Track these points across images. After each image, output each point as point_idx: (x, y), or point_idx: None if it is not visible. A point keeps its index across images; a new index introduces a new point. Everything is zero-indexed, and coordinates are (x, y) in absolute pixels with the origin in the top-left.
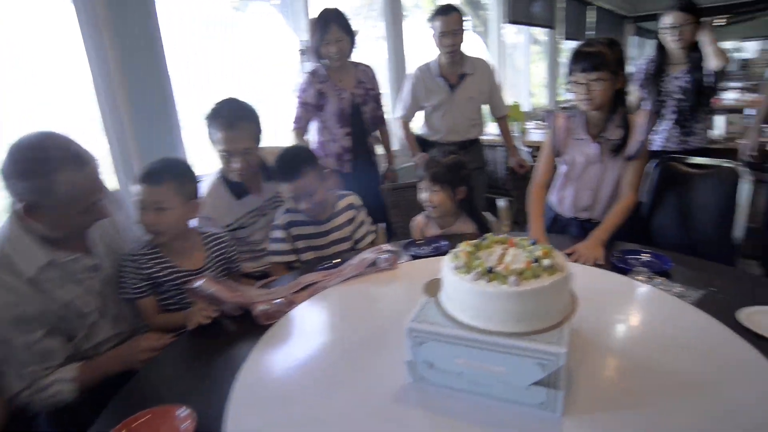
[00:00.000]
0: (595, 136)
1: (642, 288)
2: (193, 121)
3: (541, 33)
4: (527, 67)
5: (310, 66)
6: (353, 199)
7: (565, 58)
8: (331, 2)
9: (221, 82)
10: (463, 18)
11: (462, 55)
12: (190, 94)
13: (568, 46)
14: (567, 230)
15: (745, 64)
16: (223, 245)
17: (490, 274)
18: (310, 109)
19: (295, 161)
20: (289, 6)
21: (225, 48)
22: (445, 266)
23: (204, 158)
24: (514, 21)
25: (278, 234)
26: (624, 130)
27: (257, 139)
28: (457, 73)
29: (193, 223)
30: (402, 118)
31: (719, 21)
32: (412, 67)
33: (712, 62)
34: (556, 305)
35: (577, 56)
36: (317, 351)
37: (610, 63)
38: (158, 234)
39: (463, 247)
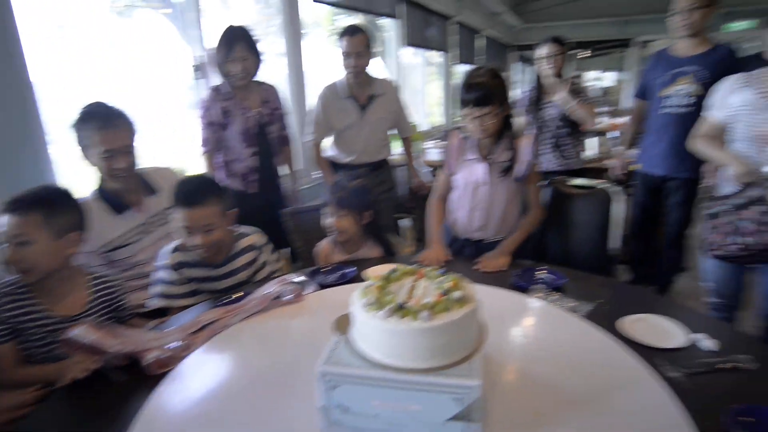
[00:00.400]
0: (485, 157)
1: (539, 305)
2: (64, 137)
3: (436, 55)
4: (423, 88)
5: (205, 83)
6: (255, 238)
7: (458, 79)
8: (228, 16)
9: (100, 94)
10: (369, 40)
11: (368, 76)
12: (61, 107)
13: (461, 69)
14: (462, 252)
15: (606, 91)
16: (111, 288)
17: (401, 310)
18: (216, 128)
19: (199, 187)
20: (180, 16)
21: (105, 57)
22: (355, 303)
23: (78, 177)
24: (411, 44)
25: (166, 275)
26: (511, 153)
27: (134, 141)
28: (366, 94)
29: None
30: (313, 141)
31: (585, 54)
32: (312, 85)
33: (586, 124)
34: (468, 336)
35: (468, 89)
36: (219, 400)
37: (496, 95)
38: (24, 272)
39: (373, 281)
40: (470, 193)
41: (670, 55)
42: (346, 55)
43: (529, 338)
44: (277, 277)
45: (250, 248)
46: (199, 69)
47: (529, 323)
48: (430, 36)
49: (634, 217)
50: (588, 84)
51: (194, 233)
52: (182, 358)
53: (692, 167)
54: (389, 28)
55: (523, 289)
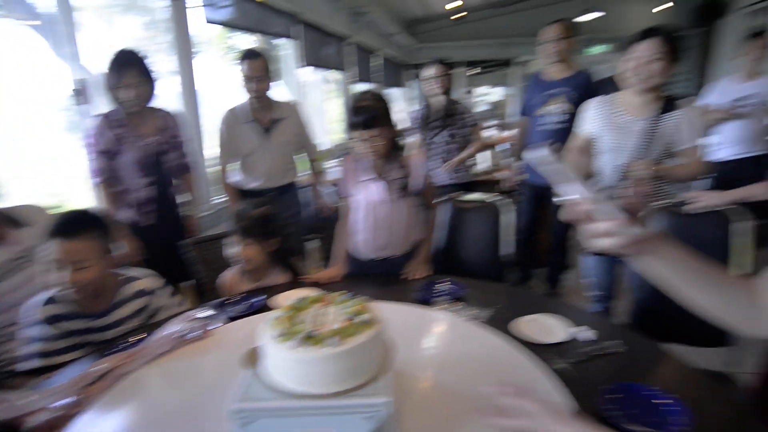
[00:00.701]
0: (380, 176)
1: (443, 316)
2: None
3: (334, 72)
4: (323, 105)
5: (88, 108)
6: (146, 282)
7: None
8: (107, 31)
9: None
10: (269, 64)
11: (270, 99)
12: None
13: (359, 87)
14: (370, 272)
15: (495, 105)
16: None
17: (311, 338)
18: (110, 156)
19: (76, 218)
20: (49, 29)
21: None
22: (265, 335)
23: None
24: (309, 64)
25: (39, 332)
26: (404, 170)
27: None
28: (268, 117)
29: None
30: (220, 166)
31: (475, 71)
32: (208, 105)
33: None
34: (377, 356)
35: (355, 112)
36: None
37: (383, 117)
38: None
39: (282, 312)
40: (371, 213)
41: (543, 78)
42: (247, 79)
43: (435, 349)
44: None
45: (140, 294)
46: (81, 93)
47: (434, 334)
48: (328, 56)
49: (521, 224)
50: (478, 99)
51: (64, 268)
52: (75, 415)
53: None
54: (287, 47)
55: (426, 302)
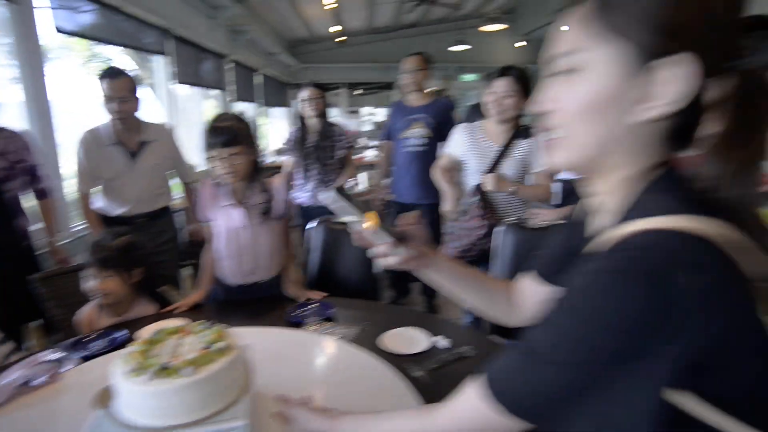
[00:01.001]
0: (240, 202)
1: (312, 337)
2: None
3: (213, 90)
4: (201, 123)
5: None
6: None
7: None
8: None
9: None
10: (135, 83)
11: (137, 120)
12: None
13: (240, 106)
14: (240, 298)
15: (378, 125)
16: None
17: (165, 370)
18: None
19: None
20: None
21: None
22: (116, 372)
23: None
24: (183, 82)
25: None
26: (266, 195)
27: None
28: (135, 140)
29: None
30: (79, 191)
31: (359, 91)
32: (63, 118)
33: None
34: (235, 381)
35: (213, 132)
36: None
37: (243, 137)
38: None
39: (135, 347)
40: (233, 239)
41: (405, 105)
42: (108, 99)
43: (303, 369)
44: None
45: None
46: None
47: (302, 355)
48: (205, 73)
49: None
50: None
51: None
52: None
53: (434, 194)
54: (157, 65)
55: (297, 324)
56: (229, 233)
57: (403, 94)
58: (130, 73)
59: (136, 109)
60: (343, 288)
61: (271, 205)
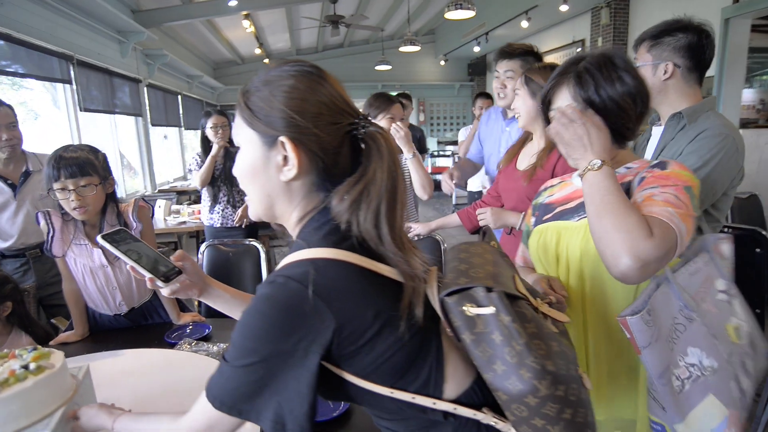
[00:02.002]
0: (93, 240)
1: (185, 356)
2: None
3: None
4: (116, 150)
5: None
6: None
7: (154, 140)
8: None
9: None
10: (13, 111)
11: (20, 151)
12: None
13: (162, 130)
14: (119, 326)
15: None
16: None
17: None
18: None
19: None
20: None
21: None
22: None
23: None
24: (87, 109)
25: None
26: (121, 225)
27: None
28: (18, 171)
29: None
30: None
31: None
32: None
33: None
34: (49, 398)
35: (60, 161)
36: None
37: (98, 168)
38: None
39: None
40: (94, 277)
41: None
42: None
43: (156, 384)
44: None
45: None
46: None
47: (174, 373)
48: (118, 100)
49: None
50: None
51: None
52: None
53: None
54: (61, 92)
55: (172, 345)
56: (89, 271)
57: None
58: (9, 106)
59: (21, 139)
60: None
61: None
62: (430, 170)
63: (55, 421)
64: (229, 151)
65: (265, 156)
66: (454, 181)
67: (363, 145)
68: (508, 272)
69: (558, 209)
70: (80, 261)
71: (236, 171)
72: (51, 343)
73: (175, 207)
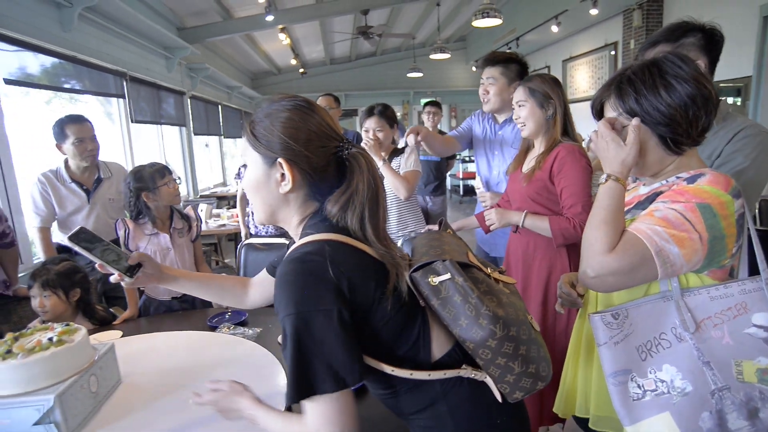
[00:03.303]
0: (162, 227)
1: (225, 337)
2: None
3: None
4: (162, 158)
5: None
6: None
7: (197, 148)
8: None
9: None
10: (92, 126)
11: (95, 160)
12: None
13: (203, 139)
14: (171, 309)
15: None
16: None
17: (9, 354)
18: None
19: None
20: None
21: None
22: None
23: None
24: (138, 121)
25: None
26: (186, 221)
27: None
28: (92, 178)
29: None
30: (40, 227)
31: None
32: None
33: None
34: (64, 367)
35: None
36: None
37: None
38: None
39: (8, 335)
40: (164, 259)
41: None
42: (80, 140)
43: (198, 360)
44: None
45: None
46: None
47: (213, 352)
48: (164, 111)
49: None
50: None
51: None
52: None
53: None
54: (116, 106)
55: (213, 328)
56: (156, 255)
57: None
58: (89, 120)
59: (99, 149)
60: None
61: (192, 228)
62: (461, 175)
63: (64, 386)
64: None
65: (267, 173)
66: (419, 139)
67: (347, 163)
68: (461, 249)
69: None
70: (150, 248)
71: (244, 184)
72: (115, 322)
73: (215, 211)
